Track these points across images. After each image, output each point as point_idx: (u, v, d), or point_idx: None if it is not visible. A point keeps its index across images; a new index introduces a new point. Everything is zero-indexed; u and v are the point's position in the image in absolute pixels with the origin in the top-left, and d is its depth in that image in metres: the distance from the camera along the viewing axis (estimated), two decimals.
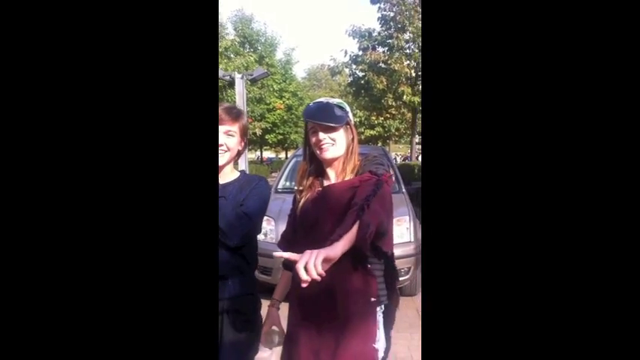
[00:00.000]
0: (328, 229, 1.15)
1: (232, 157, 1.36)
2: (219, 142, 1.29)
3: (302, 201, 1.32)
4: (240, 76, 7.69)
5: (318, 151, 1.28)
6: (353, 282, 1.23)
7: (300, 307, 1.31)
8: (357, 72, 12.77)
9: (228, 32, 19.01)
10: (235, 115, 1.32)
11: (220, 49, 10.83)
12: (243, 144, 1.38)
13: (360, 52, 12.23)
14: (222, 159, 1.31)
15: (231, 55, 14.33)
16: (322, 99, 1.33)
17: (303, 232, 1.31)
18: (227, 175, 1.38)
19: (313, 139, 1.28)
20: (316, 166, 1.34)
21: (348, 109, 1.30)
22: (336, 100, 1.31)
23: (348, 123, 1.27)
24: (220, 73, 8.72)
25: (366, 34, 12.04)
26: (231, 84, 8.48)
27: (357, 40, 12.18)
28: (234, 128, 1.32)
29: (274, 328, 1.41)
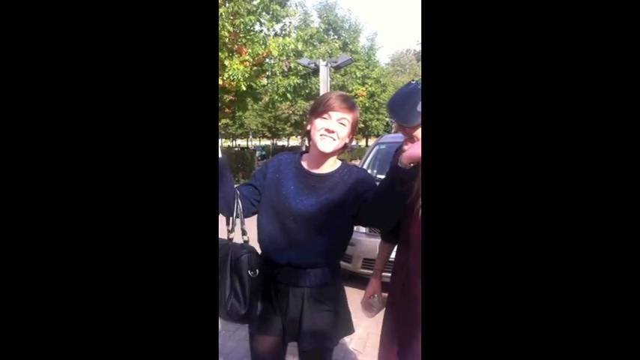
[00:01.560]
0: None
1: (339, 148, 1.28)
2: (332, 129, 1.23)
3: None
4: (324, 63, 7.76)
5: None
6: None
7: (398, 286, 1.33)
8: None
9: (312, 20, 19.24)
10: (350, 104, 1.26)
11: (305, 37, 11.00)
12: (350, 138, 1.31)
13: None
14: (330, 146, 1.24)
15: (316, 43, 14.50)
16: (414, 81, 1.18)
17: None
18: (330, 166, 1.32)
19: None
20: None
21: None
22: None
23: None
24: (305, 61, 8.89)
25: None
26: (316, 72, 8.60)
27: None
28: (348, 117, 1.25)
29: (375, 296, 1.46)
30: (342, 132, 1.25)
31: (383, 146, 4.65)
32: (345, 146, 1.30)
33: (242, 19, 8.78)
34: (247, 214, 1.32)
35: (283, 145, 32.91)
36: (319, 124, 1.25)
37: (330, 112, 1.23)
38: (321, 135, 1.24)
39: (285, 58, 10.37)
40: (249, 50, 9.24)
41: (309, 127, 1.29)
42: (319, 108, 1.25)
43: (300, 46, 10.13)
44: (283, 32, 11.24)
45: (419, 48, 12.94)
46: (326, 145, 1.24)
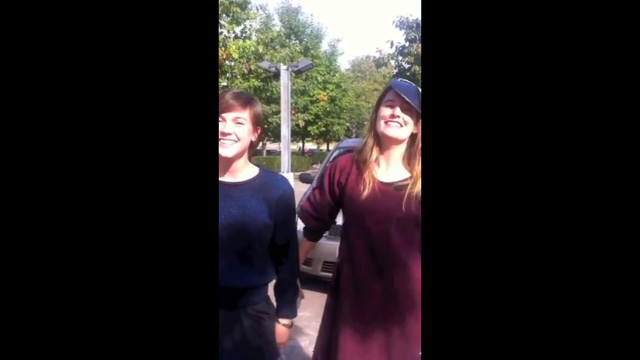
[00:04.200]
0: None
1: (243, 149, 1.18)
2: (228, 131, 1.12)
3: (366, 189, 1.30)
4: (285, 67, 7.74)
5: (384, 126, 1.26)
6: (410, 285, 1.26)
7: (351, 304, 1.30)
8: (404, 64, 12.51)
9: (274, 24, 19.20)
10: (245, 100, 1.16)
11: (266, 41, 10.96)
12: (256, 135, 1.20)
13: (407, 44, 11.97)
14: (231, 150, 1.14)
15: (277, 47, 14.47)
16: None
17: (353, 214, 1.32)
18: (242, 171, 1.21)
19: (388, 113, 1.25)
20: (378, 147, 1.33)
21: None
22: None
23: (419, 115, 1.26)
24: (266, 64, 8.84)
25: (414, 24, 11.75)
26: (277, 75, 8.57)
27: (404, 31, 11.92)
28: (244, 115, 1.14)
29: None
30: (241, 132, 1.14)
31: (343, 150, 4.69)
32: (252, 145, 1.21)
33: None
34: None
35: None
36: None
37: (223, 114, 1.13)
38: (219, 140, 1.13)
39: (245, 60, 10.28)
40: None
41: None
42: None
43: (260, 49, 10.08)
44: (244, 35, 11.14)
45: (378, 55, 13.20)
46: (226, 150, 1.14)
